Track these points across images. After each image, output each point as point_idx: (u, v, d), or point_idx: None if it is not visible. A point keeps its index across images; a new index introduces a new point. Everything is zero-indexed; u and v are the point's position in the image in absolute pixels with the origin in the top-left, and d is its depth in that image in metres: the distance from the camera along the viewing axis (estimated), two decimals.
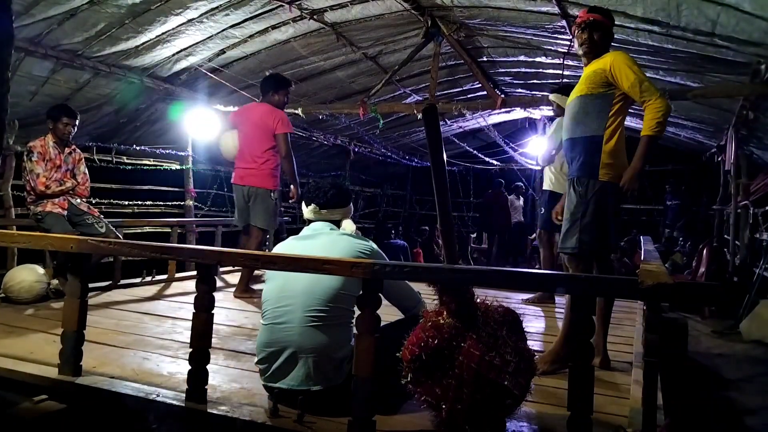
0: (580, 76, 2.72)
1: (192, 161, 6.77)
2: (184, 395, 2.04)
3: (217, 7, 4.36)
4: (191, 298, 2.13)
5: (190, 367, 2.05)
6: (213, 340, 2.15)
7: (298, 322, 1.99)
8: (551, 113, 4.71)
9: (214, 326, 2.16)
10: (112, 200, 6.15)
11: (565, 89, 4.25)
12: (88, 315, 2.34)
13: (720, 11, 3.36)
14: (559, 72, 5.87)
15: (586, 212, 2.52)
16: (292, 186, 4.22)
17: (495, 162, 10.42)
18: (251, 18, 4.69)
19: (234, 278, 4.91)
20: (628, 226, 9.39)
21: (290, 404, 1.95)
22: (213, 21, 4.58)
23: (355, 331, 1.89)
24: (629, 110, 2.66)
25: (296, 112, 6.03)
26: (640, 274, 1.77)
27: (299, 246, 2.17)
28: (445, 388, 1.76)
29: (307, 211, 2.29)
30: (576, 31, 2.67)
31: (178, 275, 4.86)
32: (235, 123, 4.28)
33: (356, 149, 9.11)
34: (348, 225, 2.27)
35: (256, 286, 4.29)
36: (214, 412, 1.96)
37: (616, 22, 2.84)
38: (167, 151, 6.43)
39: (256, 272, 4.53)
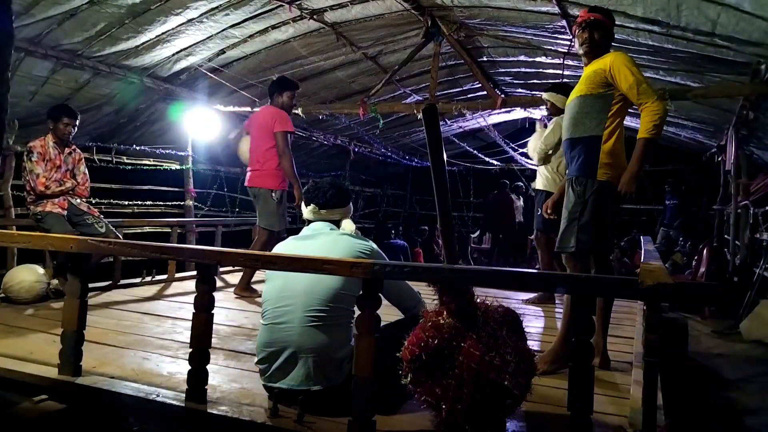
0: (580, 76, 2.72)
1: (192, 161, 6.77)
2: (184, 395, 2.05)
3: (217, 7, 4.36)
4: (191, 298, 2.14)
5: (190, 367, 2.06)
6: (213, 340, 2.15)
7: (298, 322, 1.99)
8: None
9: (214, 326, 2.16)
10: (112, 200, 6.15)
11: (558, 87, 4.26)
12: (88, 315, 2.34)
13: (720, 11, 3.36)
14: (559, 72, 5.86)
15: (584, 211, 2.52)
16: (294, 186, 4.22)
17: (495, 162, 10.42)
18: (251, 18, 4.69)
19: (234, 278, 4.92)
20: (628, 226, 9.39)
21: (290, 404, 1.95)
22: (213, 21, 4.58)
23: (355, 331, 1.89)
24: (629, 110, 2.66)
25: (296, 112, 6.01)
26: (641, 274, 1.78)
27: (299, 246, 2.17)
28: (445, 388, 1.77)
29: (306, 211, 2.30)
30: (576, 31, 2.67)
31: (178, 275, 4.87)
32: (248, 128, 4.37)
33: (356, 149, 9.11)
34: (348, 225, 2.27)
35: (257, 286, 4.29)
36: (214, 412, 1.97)
37: (616, 22, 2.84)
38: (167, 151, 6.44)
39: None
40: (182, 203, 6.86)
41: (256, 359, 2.12)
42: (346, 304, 2.03)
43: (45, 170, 3.84)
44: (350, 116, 6.87)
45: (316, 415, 1.92)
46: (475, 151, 9.82)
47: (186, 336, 2.59)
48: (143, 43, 4.67)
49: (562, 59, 5.37)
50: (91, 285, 3.15)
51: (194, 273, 2.16)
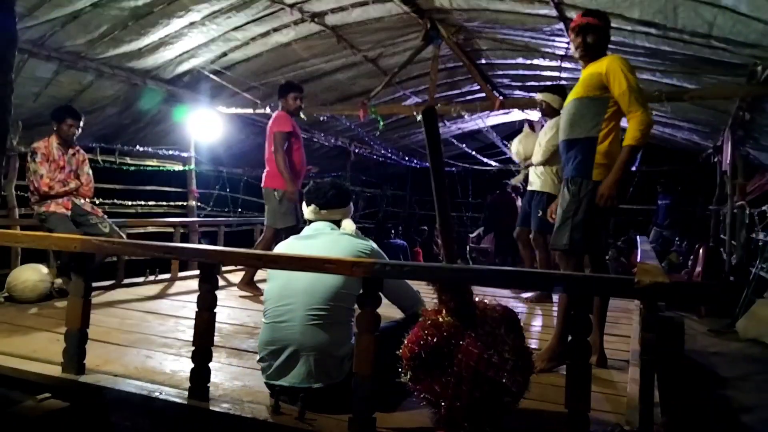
0: (577, 78, 2.75)
1: (195, 162, 6.80)
2: (186, 393, 2.06)
3: (219, 10, 4.39)
4: (194, 297, 2.15)
5: (192, 365, 2.07)
6: (215, 339, 2.17)
7: (300, 321, 2.01)
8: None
9: (217, 325, 2.17)
10: (115, 200, 6.17)
11: (553, 88, 4.30)
12: (92, 314, 2.35)
13: (717, 13, 3.39)
14: (557, 74, 5.90)
15: (579, 210, 2.55)
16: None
17: (493, 163, 10.44)
18: (253, 21, 4.72)
19: (236, 277, 4.97)
20: (625, 226, 9.40)
21: (292, 401, 1.97)
22: (215, 24, 4.61)
23: (355, 329, 1.91)
24: None
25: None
26: (637, 273, 1.80)
27: (300, 246, 2.19)
28: (444, 385, 1.78)
29: (307, 211, 2.31)
30: (571, 36, 2.71)
31: (180, 274, 4.89)
32: None
33: (357, 150, 9.13)
34: (348, 225, 2.28)
35: (261, 285, 4.32)
36: (217, 409, 1.98)
37: (613, 25, 2.87)
38: (170, 152, 6.47)
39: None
40: (185, 203, 6.89)
41: (257, 357, 2.14)
42: (346, 303, 2.05)
43: (49, 171, 3.87)
44: (351, 118, 6.90)
45: (317, 413, 1.94)
46: (473, 152, 9.85)
47: (189, 334, 2.61)
48: (146, 45, 4.69)
49: (559, 61, 5.41)
50: (94, 284, 3.16)
51: (197, 272, 2.18)
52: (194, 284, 2.41)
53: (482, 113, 7.46)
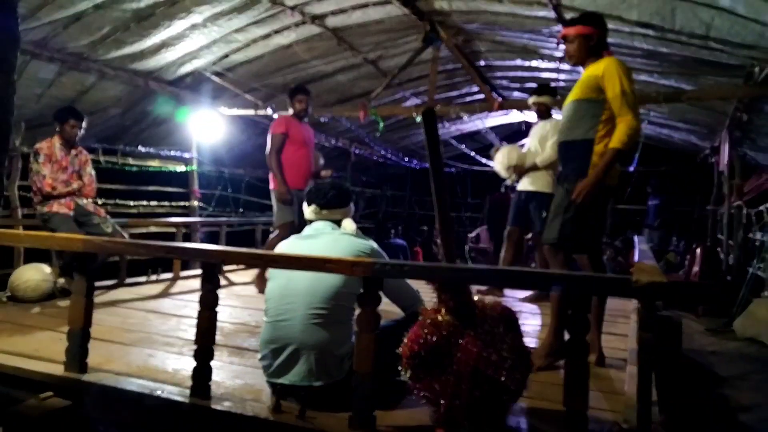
0: (574, 80, 2.77)
1: (197, 163, 6.83)
2: (188, 391, 2.07)
3: (220, 12, 4.41)
4: (196, 296, 2.17)
5: (194, 364, 2.08)
6: (217, 337, 2.18)
7: (301, 320, 2.03)
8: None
9: (218, 323, 2.18)
10: (117, 201, 6.18)
11: (543, 89, 4.33)
12: (94, 313, 2.37)
13: (714, 15, 3.41)
14: (555, 76, 5.93)
15: (571, 206, 2.56)
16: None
17: (492, 164, 10.43)
18: (254, 23, 4.74)
19: (238, 277, 5.05)
20: (622, 226, 9.41)
21: (292, 400, 1.99)
22: (217, 25, 4.63)
23: (355, 328, 1.92)
24: None
25: None
26: (635, 272, 1.81)
27: (301, 245, 2.21)
28: (443, 384, 1.79)
29: (308, 211, 2.32)
30: (563, 44, 2.73)
31: (182, 274, 4.91)
32: None
33: (357, 151, 9.15)
34: (348, 225, 2.29)
35: None
36: (218, 407, 2.00)
37: (611, 26, 2.87)
38: (172, 153, 6.50)
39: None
40: (187, 204, 6.91)
41: (259, 356, 2.15)
42: (347, 302, 2.06)
43: (51, 171, 3.88)
44: (351, 119, 6.93)
45: (317, 411, 1.95)
46: (472, 153, 9.87)
47: (190, 333, 2.63)
48: (148, 46, 4.71)
49: (557, 63, 5.43)
50: (97, 283, 3.18)
51: (199, 272, 2.20)
52: (196, 283, 2.43)
53: (481, 114, 7.50)
